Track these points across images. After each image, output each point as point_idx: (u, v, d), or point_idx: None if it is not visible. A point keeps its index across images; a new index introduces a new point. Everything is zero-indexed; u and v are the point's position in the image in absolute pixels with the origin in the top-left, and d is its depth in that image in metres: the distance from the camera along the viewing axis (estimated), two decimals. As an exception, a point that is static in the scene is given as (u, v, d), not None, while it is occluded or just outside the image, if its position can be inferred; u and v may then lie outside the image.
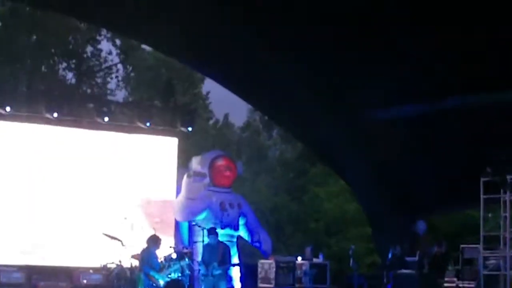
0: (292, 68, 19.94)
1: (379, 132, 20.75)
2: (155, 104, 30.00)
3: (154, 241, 16.01)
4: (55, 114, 18.91)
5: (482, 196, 18.70)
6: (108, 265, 17.19)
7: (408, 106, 19.68)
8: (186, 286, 16.12)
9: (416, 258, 18.79)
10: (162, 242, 16.12)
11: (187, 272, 16.19)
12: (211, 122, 37.71)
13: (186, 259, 16.51)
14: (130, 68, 34.17)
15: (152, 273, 15.46)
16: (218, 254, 16.26)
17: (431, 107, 19.47)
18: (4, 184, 18.20)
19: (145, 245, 16.74)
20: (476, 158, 19.42)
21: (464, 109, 19.01)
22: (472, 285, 18.22)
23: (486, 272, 18.38)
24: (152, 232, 16.89)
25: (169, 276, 15.71)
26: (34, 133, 18.92)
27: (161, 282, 15.53)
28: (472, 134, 19.46)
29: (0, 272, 16.68)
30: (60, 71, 32.80)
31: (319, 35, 18.07)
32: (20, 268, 17.30)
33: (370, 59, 18.15)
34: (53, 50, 31.69)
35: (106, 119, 19.66)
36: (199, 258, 17.02)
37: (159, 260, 15.94)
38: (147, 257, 15.72)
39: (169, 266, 15.90)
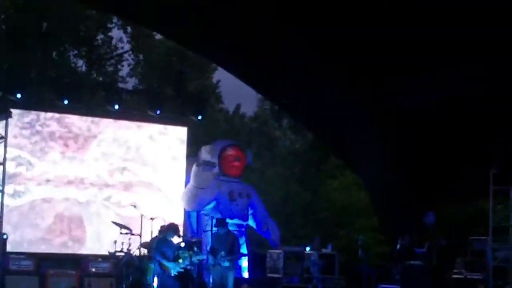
0: (304, 57, 19.92)
1: (390, 123, 20.74)
2: (165, 92, 29.99)
3: (172, 229, 16.06)
4: (66, 102, 18.93)
5: (491, 188, 18.69)
6: (117, 253, 17.21)
7: (419, 96, 19.68)
8: (195, 276, 16.14)
9: (425, 250, 18.78)
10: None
11: (196, 261, 16.20)
12: (221, 112, 37.67)
13: (195, 249, 16.53)
14: (141, 55, 34.13)
15: (164, 262, 15.49)
16: (226, 243, 16.30)
17: (440, 97, 19.49)
18: (14, 172, 18.23)
19: (154, 234, 16.87)
20: (485, 150, 19.41)
21: (475, 99, 19.04)
22: (481, 277, 18.18)
23: (495, 264, 18.38)
24: (160, 221, 16.95)
25: (181, 266, 15.75)
26: (44, 120, 18.95)
27: (173, 272, 15.58)
28: (481, 125, 19.45)
29: (9, 260, 16.70)
30: (71, 59, 32.81)
31: (332, 23, 18.11)
32: (29, 255, 17.34)
33: (384, 46, 18.18)
34: (63, 38, 31.67)
35: (117, 107, 19.66)
36: (208, 248, 17.08)
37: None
38: (161, 245, 15.75)
39: (179, 256, 15.93)
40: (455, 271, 18.47)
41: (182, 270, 15.73)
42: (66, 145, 19.14)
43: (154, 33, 31.91)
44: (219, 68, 30.68)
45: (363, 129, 21.74)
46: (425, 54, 18.27)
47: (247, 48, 20.29)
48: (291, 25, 19.00)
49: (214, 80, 36.26)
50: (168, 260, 15.56)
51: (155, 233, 16.86)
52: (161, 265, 15.53)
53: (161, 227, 16.53)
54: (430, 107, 19.91)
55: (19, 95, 18.19)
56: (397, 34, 17.83)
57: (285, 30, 19.32)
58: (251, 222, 20.12)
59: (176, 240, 16.40)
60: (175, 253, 15.85)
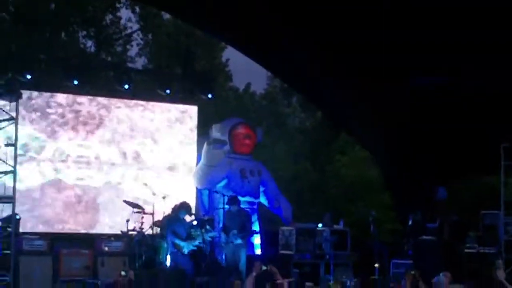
0: (308, 38, 19.95)
1: (398, 100, 20.75)
2: (174, 72, 29.96)
3: (184, 207, 16.13)
4: (75, 82, 18.93)
5: (502, 163, 18.68)
6: (130, 232, 17.27)
7: (426, 76, 19.68)
8: (207, 254, 16.21)
9: (437, 225, 18.78)
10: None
11: (208, 239, 16.26)
12: (231, 90, 37.60)
13: (207, 226, 16.58)
14: (150, 35, 34.08)
15: (177, 241, 15.56)
16: (238, 221, 16.37)
17: (449, 77, 19.50)
18: (24, 154, 18.26)
19: (166, 212, 16.92)
20: (496, 124, 19.41)
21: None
22: (493, 251, 18.19)
23: (507, 238, 18.39)
24: (172, 199, 17.01)
25: (193, 244, 15.82)
26: (55, 102, 18.96)
27: (186, 250, 15.66)
28: (492, 100, 19.44)
29: (22, 240, 16.73)
30: (80, 39, 32.78)
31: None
32: (43, 235, 17.39)
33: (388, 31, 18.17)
34: (72, 19, 31.63)
35: (126, 86, 19.65)
36: (220, 225, 17.13)
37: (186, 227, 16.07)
38: (173, 224, 15.82)
39: (191, 234, 15.99)
40: (467, 245, 18.48)
41: (195, 248, 15.81)
42: (77, 128, 19.14)
43: (162, 12, 31.87)
44: (228, 47, 30.66)
45: (367, 108, 21.81)
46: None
47: (254, 26, 20.34)
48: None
49: (224, 59, 36.21)
50: (181, 238, 15.64)
51: (168, 212, 16.92)
52: (174, 243, 15.61)
53: (174, 205, 16.60)
54: (437, 84, 19.95)
55: (28, 76, 18.19)
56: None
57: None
58: (262, 200, 20.14)
59: (188, 218, 16.47)
60: (187, 232, 15.93)
